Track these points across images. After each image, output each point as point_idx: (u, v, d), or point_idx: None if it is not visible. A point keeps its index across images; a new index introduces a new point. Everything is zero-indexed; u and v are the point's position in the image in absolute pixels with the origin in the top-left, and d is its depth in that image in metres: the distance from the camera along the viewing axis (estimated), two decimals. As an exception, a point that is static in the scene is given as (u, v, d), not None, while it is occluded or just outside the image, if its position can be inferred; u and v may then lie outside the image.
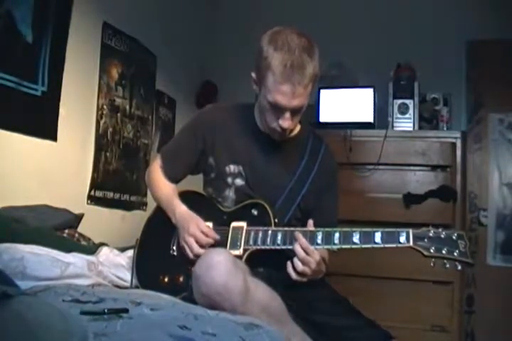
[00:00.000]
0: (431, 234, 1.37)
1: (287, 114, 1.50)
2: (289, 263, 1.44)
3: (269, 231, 1.50)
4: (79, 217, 2.07)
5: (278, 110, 1.51)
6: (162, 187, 1.74)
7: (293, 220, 1.63)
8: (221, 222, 1.61)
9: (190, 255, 1.55)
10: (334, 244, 1.43)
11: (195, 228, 1.56)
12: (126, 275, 1.71)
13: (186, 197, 1.69)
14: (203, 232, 1.55)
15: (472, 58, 3.12)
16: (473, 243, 2.82)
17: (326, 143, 1.74)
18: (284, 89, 1.45)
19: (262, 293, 1.35)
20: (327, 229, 1.45)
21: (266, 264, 1.54)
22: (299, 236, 1.44)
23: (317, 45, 1.53)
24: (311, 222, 1.50)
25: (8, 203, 1.82)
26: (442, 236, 1.36)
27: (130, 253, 1.80)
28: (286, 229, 1.50)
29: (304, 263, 1.42)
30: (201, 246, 1.54)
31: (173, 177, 1.76)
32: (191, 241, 1.55)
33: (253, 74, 1.57)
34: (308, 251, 1.42)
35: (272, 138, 1.63)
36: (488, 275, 2.86)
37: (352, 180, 2.83)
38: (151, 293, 1.44)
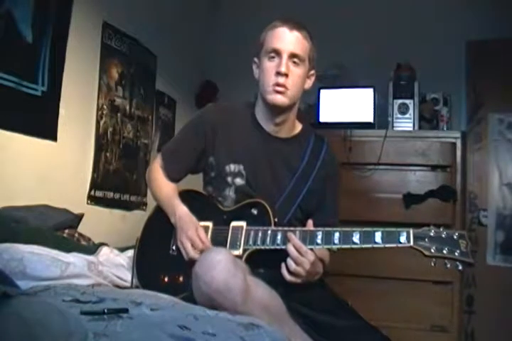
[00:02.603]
0: (432, 234, 1.37)
1: (284, 59, 1.55)
2: (283, 264, 1.44)
3: (269, 231, 1.50)
4: (79, 217, 2.07)
5: (276, 57, 1.56)
6: (162, 186, 1.74)
7: (293, 220, 1.63)
8: (221, 221, 1.61)
9: (186, 258, 1.55)
10: (334, 243, 1.42)
11: (193, 232, 1.55)
12: (126, 276, 1.70)
13: (186, 196, 1.69)
14: (200, 239, 1.55)
15: (472, 58, 3.12)
16: (473, 243, 2.81)
17: (327, 143, 1.74)
18: (280, 30, 1.57)
19: (262, 292, 1.35)
20: (327, 229, 1.45)
21: (266, 264, 1.54)
22: (292, 236, 1.45)
23: (315, 43, 1.57)
24: (310, 221, 1.50)
25: (8, 203, 1.82)
26: (443, 235, 1.36)
27: (130, 253, 1.80)
28: (286, 228, 1.49)
29: (297, 263, 1.42)
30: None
31: (174, 177, 1.75)
32: (188, 244, 1.55)
33: (255, 59, 1.64)
34: (302, 251, 1.42)
35: (273, 104, 1.59)
36: (488, 275, 2.86)
37: (352, 180, 2.83)
38: (151, 293, 1.44)
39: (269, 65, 1.57)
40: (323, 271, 1.55)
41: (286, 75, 1.55)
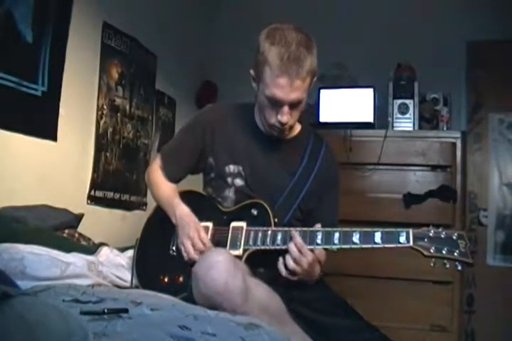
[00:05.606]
0: (431, 234, 1.37)
1: (285, 108, 1.50)
2: (280, 259, 1.45)
3: (269, 232, 1.50)
4: (79, 217, 2.07)
5: (276, 104, 1.50)
6: (162, 187, 1.74)
7: (293, 220, 1.63)
8: (221, 222, 1.61)
9: (186, 258, 1.55)
10: (334, 243, 1.43)
11: (194, 233, 1.55)
12: (126, 276, 1.70)
13: (186, 197, 1.69)
14: (201, 239, 1.55)
15: (472, 58, 3.12)
16: (472, 243, 2.82)
17: (326, 144, 1.74)
18: (281, 82, 1.45)
19: (262, 292, 1.35)
20: (327, 229, 1.45)
21: (266, 264, 1.54)
22: (295, 235, 1.45)
23: (316, 43, 1.52)
24: (318, 225, 1.49)
25: (8, 203, 1.82)
26: (442, 236, 1.36)
27: (130, 253, 1.80)
28: (285, 229, 1.50)
29: (296, 262, 1.43)
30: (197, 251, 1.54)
31: (173, 177, 1.76)
32: (189, 245, 1.55)
33: (252, 72, 1.57)
34: (303, 251, 1.42)
35: (272, 136, 1.62)
36: (488, 275, 2.87)
37: (352, 180, 2.83)
38: (151, 293, 1.44)
39: (269, 107, 1.52)
40: (319, 271, 1.55)
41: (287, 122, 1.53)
